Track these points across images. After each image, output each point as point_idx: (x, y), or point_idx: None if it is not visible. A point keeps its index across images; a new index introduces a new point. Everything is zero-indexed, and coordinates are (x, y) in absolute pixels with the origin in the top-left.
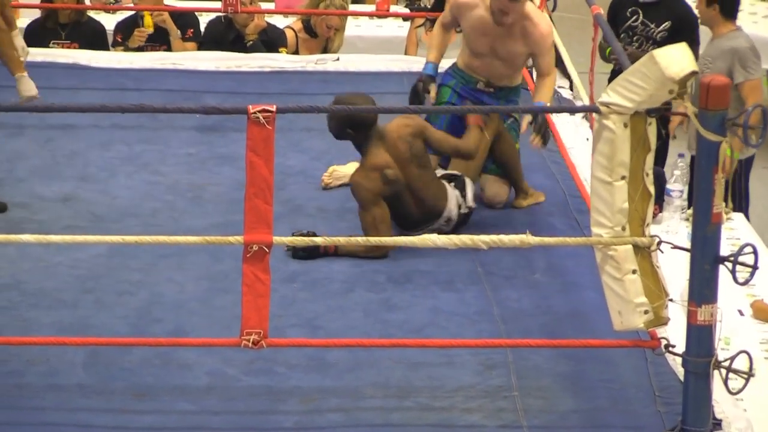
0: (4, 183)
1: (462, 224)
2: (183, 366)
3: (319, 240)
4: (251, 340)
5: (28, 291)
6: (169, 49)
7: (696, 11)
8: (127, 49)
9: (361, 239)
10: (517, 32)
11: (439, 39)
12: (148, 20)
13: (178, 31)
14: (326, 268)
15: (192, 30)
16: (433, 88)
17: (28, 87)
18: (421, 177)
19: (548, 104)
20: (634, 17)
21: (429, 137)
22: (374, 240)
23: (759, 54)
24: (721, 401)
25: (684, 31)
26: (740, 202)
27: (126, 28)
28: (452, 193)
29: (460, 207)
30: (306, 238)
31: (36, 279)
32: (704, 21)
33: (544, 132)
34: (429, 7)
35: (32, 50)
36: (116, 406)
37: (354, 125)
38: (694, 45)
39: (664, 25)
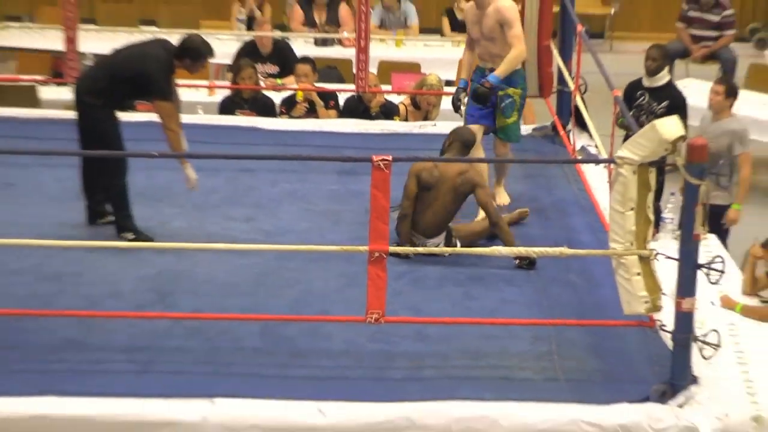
0: (204, 208)
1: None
2: (327, 336)
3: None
4: (373, 318)
5: (221, 283)
6: (316, 115)
7: (710, 100)
8: (290, 117)
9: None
10: (490, 12)
11: (466, 60)
12: (300, 94)
13: (322, 102)
14: (423, 269)
15: (333, 102)
16: (463, 96)
17: (192, 173)
18: (446, 207)
19: (501, 75)
20: (642, 97)
21: (477, 192)
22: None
23: (749, 133)
24: (697, 364)
25: (678, 108)
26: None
27: (288, 103)
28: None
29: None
30: (415, 248)
31: (226, 275)
32: (717, 107)
33: (483, 95)
34: None
35: (223, 117)
36: (280, 363)
37: (464, 145)
38: (684, 118)
39: (663, 103)
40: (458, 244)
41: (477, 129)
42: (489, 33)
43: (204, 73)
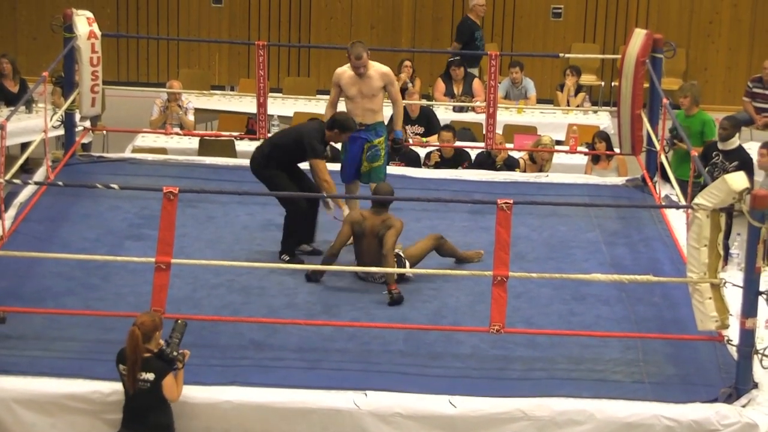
0: None
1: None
2: (458, 342)
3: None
4: (495, 329)
5: (373, 298)
6: (447, 166)
7: (758, 161)
8: (427, 167)
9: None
10: (371, 75)
11: (328, 114)
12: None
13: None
14: (537, 291)
15: (467, 162)
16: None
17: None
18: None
19: (400, 127)
20: (717, 157)
21: (385, 234)
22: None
23: None
24: (757, 372)
25: (745, 166)
26: None
27: (429, 156)
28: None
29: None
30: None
31: (378, 291)
32: (764, 166)
33: (401, 150)
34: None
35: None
36: (419, 363)
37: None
38: (750, 174)
39: (734, 162)
40: (407, 264)
41: (355, 185)
42: (370, 92)
43: None
